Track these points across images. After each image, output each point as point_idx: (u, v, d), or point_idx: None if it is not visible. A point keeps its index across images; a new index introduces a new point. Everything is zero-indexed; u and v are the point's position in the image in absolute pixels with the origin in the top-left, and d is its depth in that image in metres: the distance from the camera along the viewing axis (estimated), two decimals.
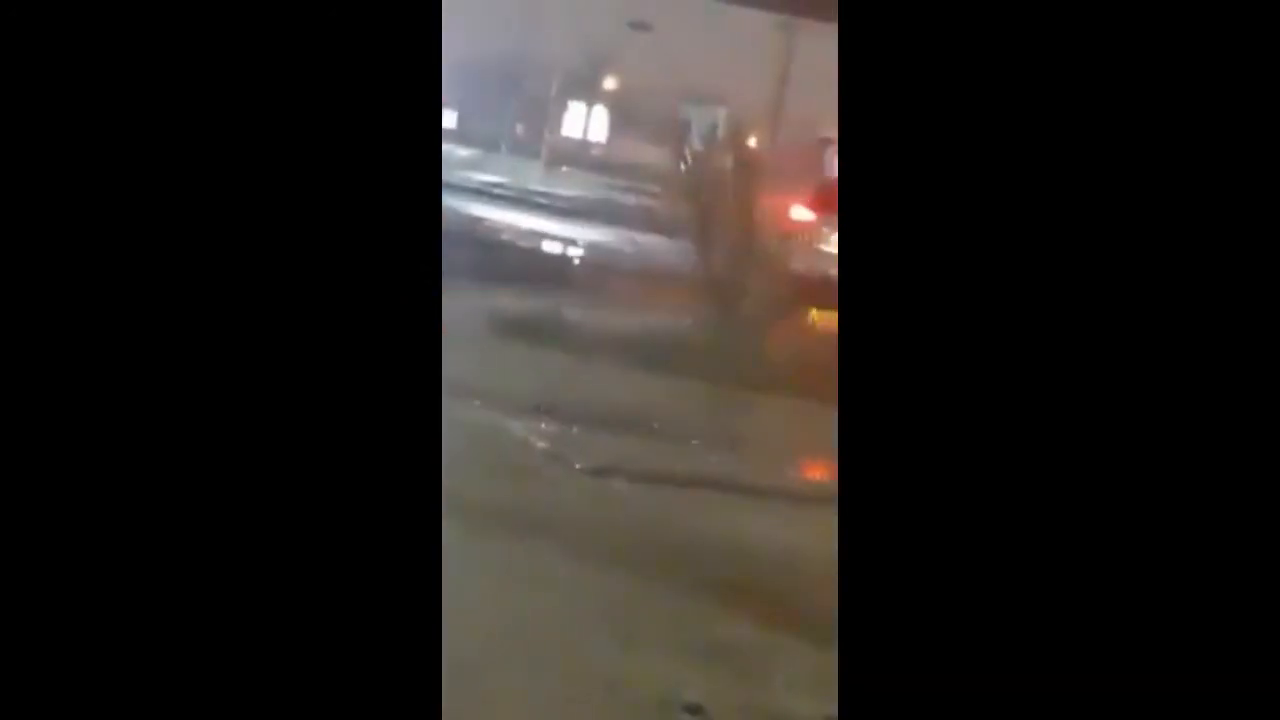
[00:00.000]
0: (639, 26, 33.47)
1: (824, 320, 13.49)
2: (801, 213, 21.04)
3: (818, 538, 6.29)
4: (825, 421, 8.76)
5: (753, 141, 32.65)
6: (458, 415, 7.84)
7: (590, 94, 44.95)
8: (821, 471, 7.72)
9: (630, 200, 20.79)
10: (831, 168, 22.34)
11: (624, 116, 43.20)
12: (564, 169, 38.96)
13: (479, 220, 21.36)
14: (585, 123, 45.32)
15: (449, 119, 44.67)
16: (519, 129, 46.72)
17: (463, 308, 11.27)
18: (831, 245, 19.19)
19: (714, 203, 16.65)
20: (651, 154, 27.48)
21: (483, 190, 25.83)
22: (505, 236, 20.14)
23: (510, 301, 12.64)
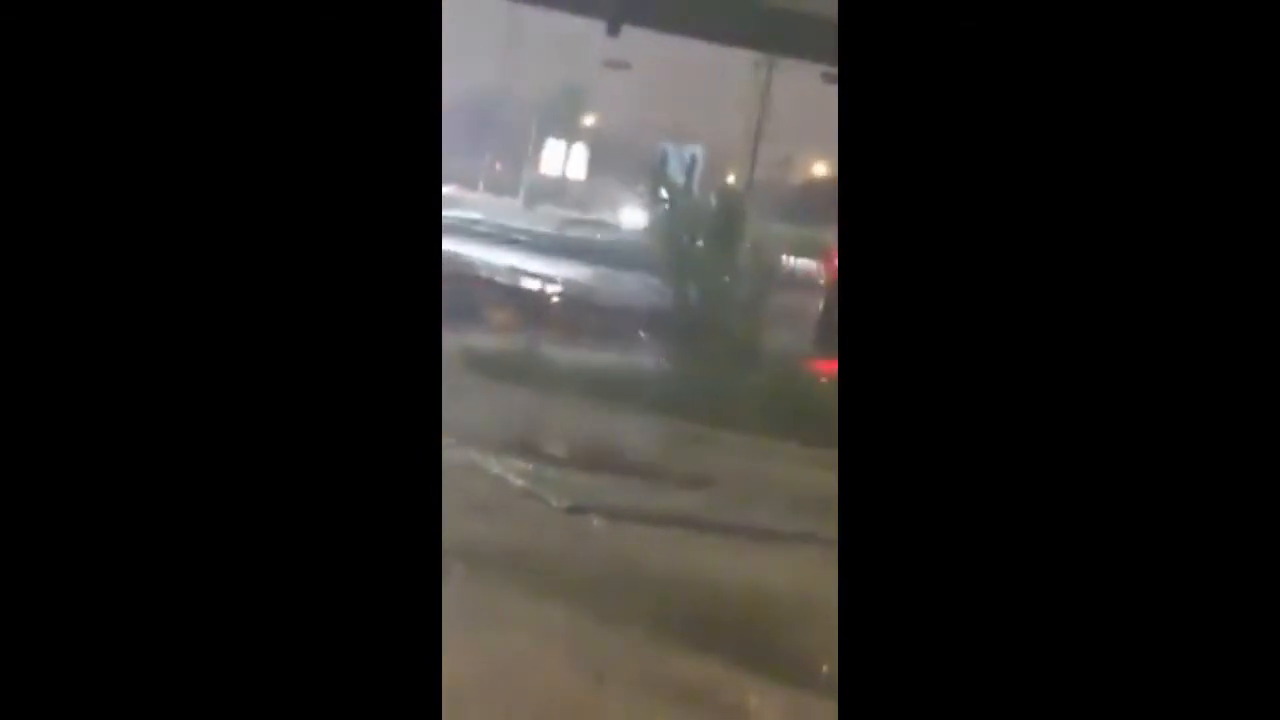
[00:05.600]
0: (617, 65, 33.54)
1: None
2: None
3: (786, 576, 6.35)
4: (797, 460, 8.67)
5: (730, 179, 32.77)
6: None
7: (568, 131, 45.09)
8: (792, 510, 7.73)
9: (607, 237, 20.90)
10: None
11: (602, 154, 43.36)
12: (541, 206, 39.05)
13: (455, 256, 21.37)
14: (563, 160, 45.43)
15: None
16: (497, 166, 46.85)
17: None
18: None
19: (691, 240, 16.71)
20: (629, 191, 27.65)
21: (459, 227, 25.81)
22: (482, 273, 20.16)
23: (485, 338, 12.69)
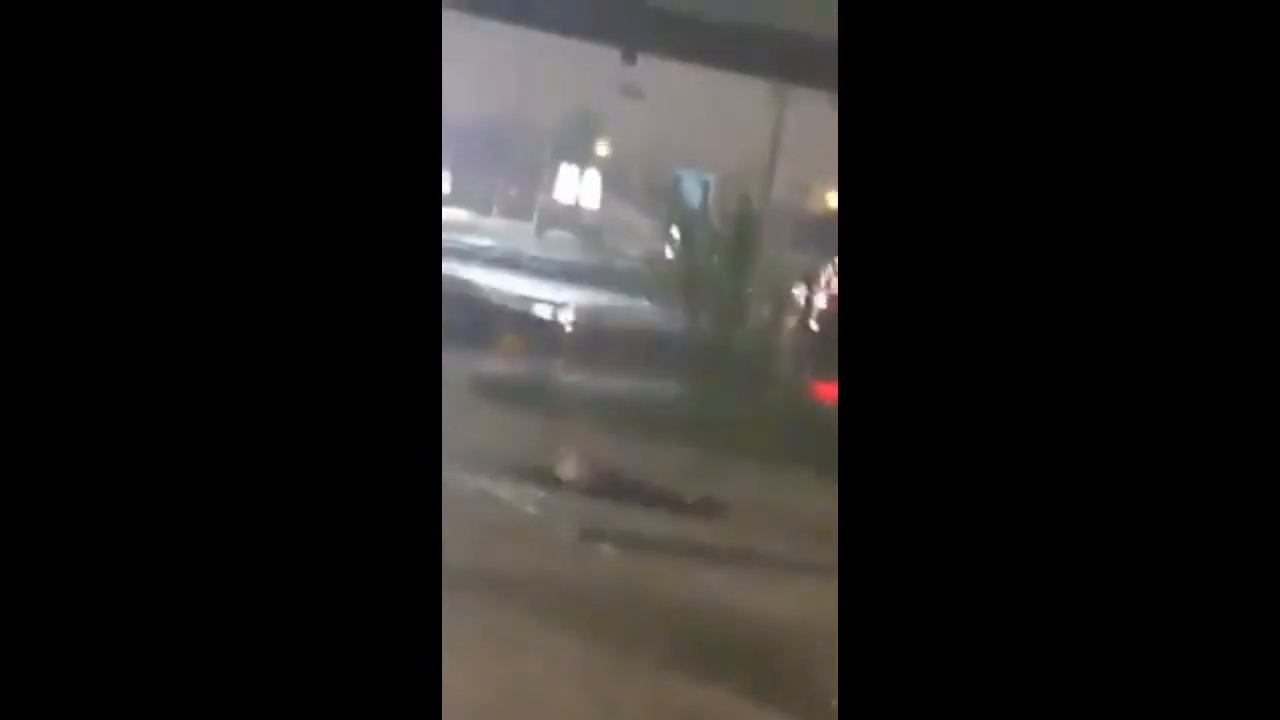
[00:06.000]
0: (631, 92, 33.57)
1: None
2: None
3: (796, 605, 6.30)
4: (807, 486, 8.64)
5: (743, 205, 32.80)
6: (445, 478, 7.81)
7: (583, 158, 45.10)
8: (803, 539, 7.68)
9: (621, 264, 20.88)
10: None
11: (616, 181, 43.38)
12: (554, 232, 39.03)
13: (468, 283, 21.37)
14: (578, 187, 45.44)
15: (443, 180, 44.88)
16: (511, 192, 46.87)
17: (451, 370, 11.32)
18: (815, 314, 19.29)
19: (703, 266, 16.71)
20: (643, 218, 27.64)
21: (473, 253, 25.83)
22: (493, 299, 20.14)
23: (496, 364, 12.66)
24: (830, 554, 6.40)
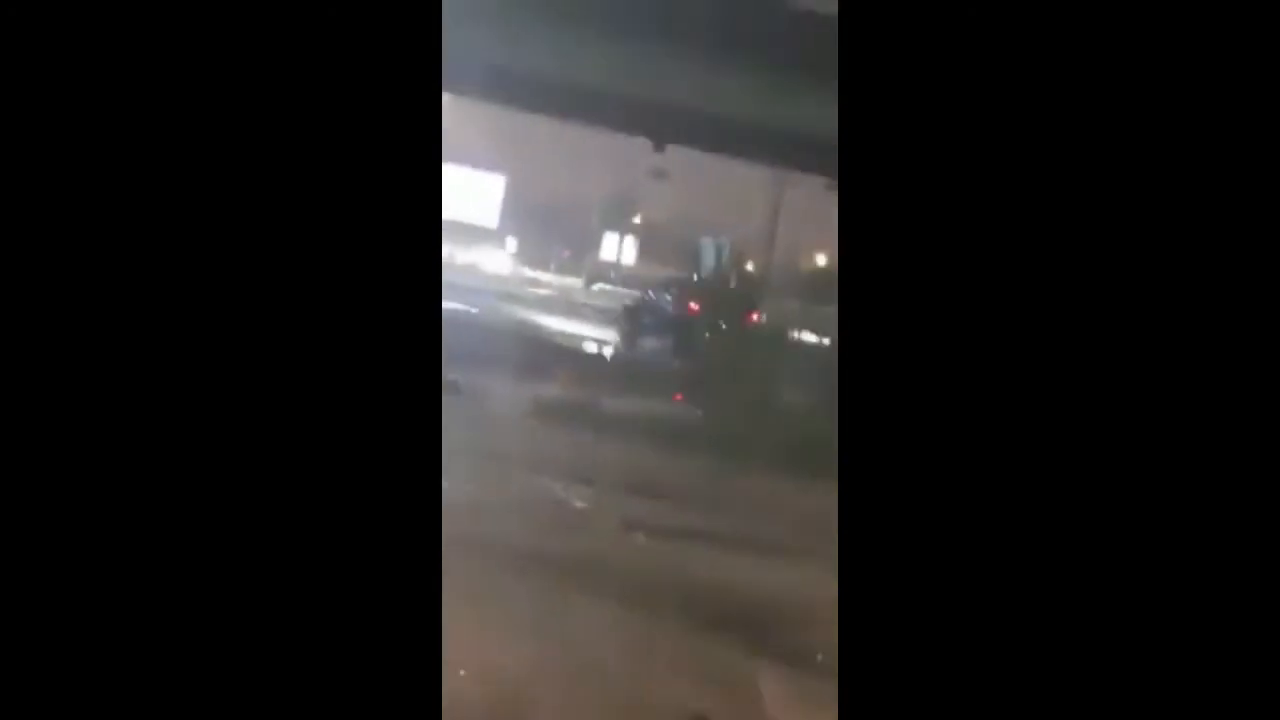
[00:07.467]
0: (659, 175, 33.57)
1: None
2: None
3: (797, 582, 6.27)
4: (802, 489, 8.48)
5: (750, 266, 32.64)
6: (509, 480, 7.92)
7: (621, 226, 45.34)
8: (796, 529, 7.63)
9: (652, 311, 20.91)
10: None
11: (649, 244, 43.53)
12: (600, 286, 39.07)
13: (532, 323, 21.41)
14: (618, 249, 45.62)
15: (511, 244, 45.22)
16: (565, 253, 47.20)
17: (519, 396, 11.47)
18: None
19: (720, 313, 16.70)
20: (671, 274, 27.63)
21: (536, 301, 25.84)
22: (555, 339, 20.16)
23: (553, 390, 12.69)
24: (817, 541, 6.28)
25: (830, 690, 2.10)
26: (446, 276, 3.17)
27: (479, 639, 4.33)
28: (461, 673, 4.00)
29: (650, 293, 22.12)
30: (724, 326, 18.83)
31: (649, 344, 20.11)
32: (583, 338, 21.37)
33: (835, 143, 2.03)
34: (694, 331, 19.06)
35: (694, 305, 20.53)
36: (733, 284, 24.98)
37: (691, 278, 25.42)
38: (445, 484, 2.20)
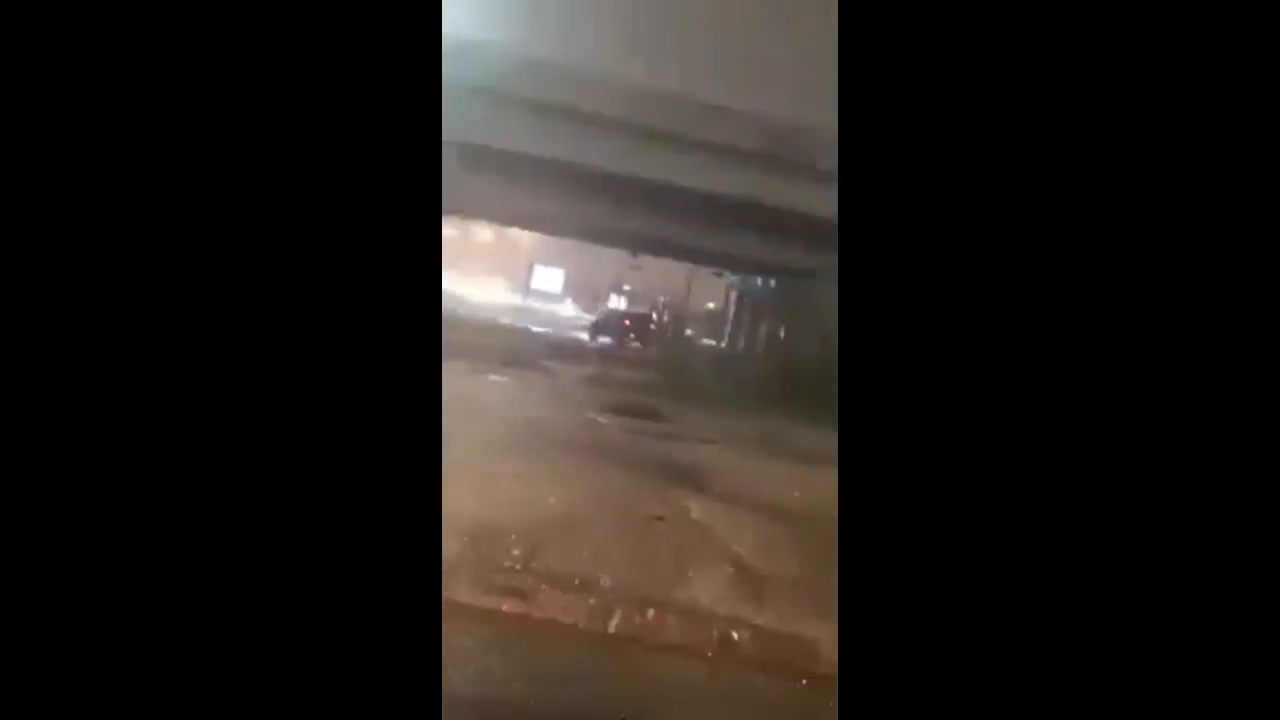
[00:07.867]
0: (635, 266, 40.11)
1: None
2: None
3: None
4: (788, 429, 12.36)
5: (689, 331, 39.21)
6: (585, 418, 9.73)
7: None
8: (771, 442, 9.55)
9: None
10: None
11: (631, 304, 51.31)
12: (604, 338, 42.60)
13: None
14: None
15: (556, 281, 54.44)
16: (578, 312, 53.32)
17: (587, 398, 12.19)
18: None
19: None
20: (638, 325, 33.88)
21: (587, 328, 30.96)
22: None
23: (617, 394, 13.31)
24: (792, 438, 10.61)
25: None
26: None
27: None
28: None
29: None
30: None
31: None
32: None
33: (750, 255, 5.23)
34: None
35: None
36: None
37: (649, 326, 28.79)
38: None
